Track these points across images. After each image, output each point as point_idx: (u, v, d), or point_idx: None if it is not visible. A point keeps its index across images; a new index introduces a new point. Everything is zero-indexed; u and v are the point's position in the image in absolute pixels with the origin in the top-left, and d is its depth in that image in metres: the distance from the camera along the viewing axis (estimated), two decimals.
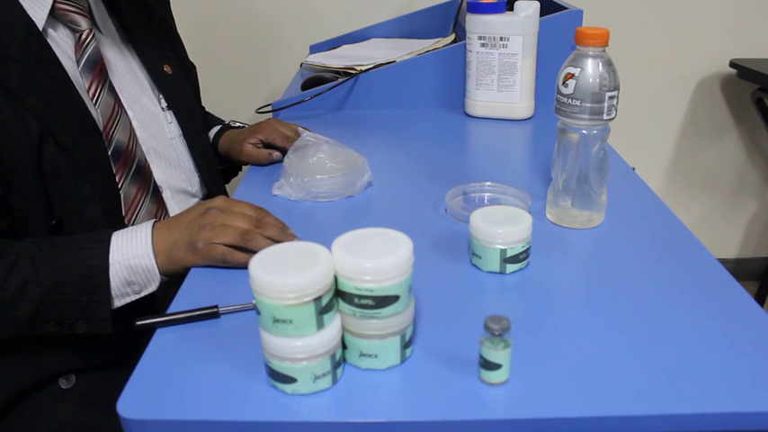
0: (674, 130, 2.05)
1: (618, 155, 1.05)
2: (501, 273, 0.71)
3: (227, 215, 0.74)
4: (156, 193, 0.91)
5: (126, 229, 0.76)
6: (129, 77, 0.94)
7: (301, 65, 1.58)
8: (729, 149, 2.07)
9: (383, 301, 0.53)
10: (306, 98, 1.25)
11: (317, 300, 0.51)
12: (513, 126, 1.22)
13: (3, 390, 0.81)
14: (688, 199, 2.14)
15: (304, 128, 1.04)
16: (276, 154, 1.05)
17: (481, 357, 0.54)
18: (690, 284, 0.68)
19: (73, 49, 0.85)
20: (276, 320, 0.51)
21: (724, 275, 0.70)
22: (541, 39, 1.22)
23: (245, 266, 0.69)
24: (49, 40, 0.81)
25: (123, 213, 0.87)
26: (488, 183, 0.91)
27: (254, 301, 0.53)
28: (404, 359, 0.57)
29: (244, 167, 1.12)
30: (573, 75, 0.74)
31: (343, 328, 0.56)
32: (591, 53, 0.73)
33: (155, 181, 0.92)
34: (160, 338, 0.62)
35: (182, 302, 0.67)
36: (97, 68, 0.86)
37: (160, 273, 0.74)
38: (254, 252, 0.61)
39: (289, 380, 0.53)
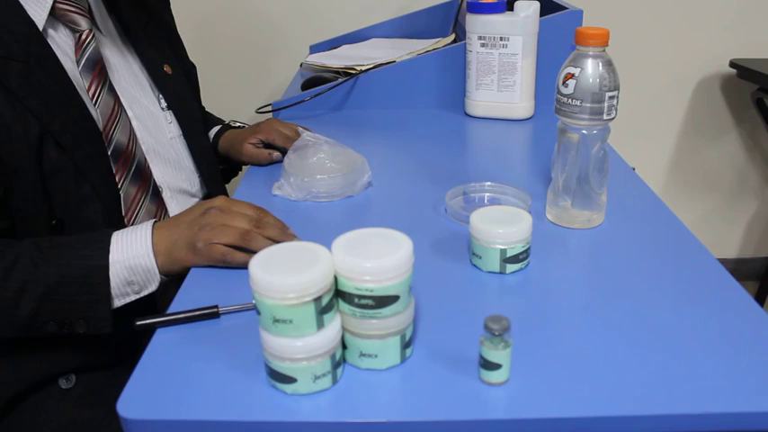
0: (674, 130, 2.05)
1: (618, 155, 1.05)
2: (501, 273, 0.71)
3: (228, 215, 0.74)
4: (156, 193, 0.91)
5: (126, 229, 0.76)
6: (129, 77, 0.94)
7: (301, 65, 1.58)
8: (729, 149, 2.07)
9: (383, 301, 0.53)
10: (306, 98, 1.25)
11: (317, 300, 0.51)
12: (513, 126, 1.22)
13: (3, 390, 0.81)
14: (688, 199, 2.14)
15: (304, 128, 1.04)
16: (276, 154, 1.05)
17: (481, 357, 0.54)
18: (690, 284, 0.68)
19: (73, 50, 0.85)
20: (276, 320, 0.51)
21: (724, 275, 0.70)
22: (541, 39, 1.21)
23: (245, 266, 0.69)
24: (49, 41, 0.81)
25: (123, 213, 0.87)
26: (488, 183, 0.91)
27: (254, 301, 0.53)
28: (404, 359, 0.57)
29: (244, 167, 1.12)
30: (573, 75, 0.74)
31: (343, 328, 0.56)
32: (591, 53, 0.73)
33: (154, 181, 0.92)
34: (160, 338, 0.62)
35: (182, 302, 0.67)
36: (97, 68, 0.86)
37: (160, 273, 0.74)
38: (254, 252, 0.61)
39: (289, 380, 0.53)
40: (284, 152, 1.00)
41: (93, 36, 0.86)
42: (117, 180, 0.86)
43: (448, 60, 1.29)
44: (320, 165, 0.92)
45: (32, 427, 0.82)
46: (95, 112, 0.84)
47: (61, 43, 0.84)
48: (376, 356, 0.56)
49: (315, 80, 1.34)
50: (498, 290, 0.69)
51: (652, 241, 0.78)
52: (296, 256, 0.53)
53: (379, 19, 1.71)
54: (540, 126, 1.22)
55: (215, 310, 0.64)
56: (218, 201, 0.76)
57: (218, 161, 1.12)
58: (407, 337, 0.57)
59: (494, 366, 0.53)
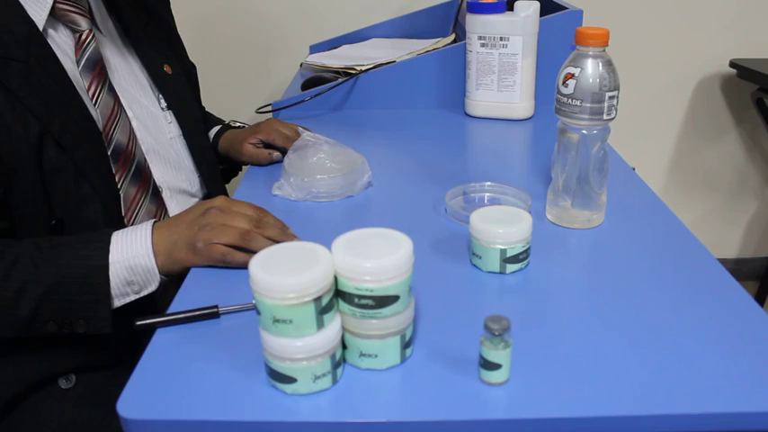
0: (674, 130, 2.05)
1: (618, 155, 1.05)
2: (501, 273, 0.71)
3: (228, 215, 0.74)
4: (156, 193, 0.91)
5: (126, 229, 0.76)
6: (129, 77, 0.94)
7: (301, 65, 1.58)
8: (729, 149, 2.07)
9: (383, 301, 0.53)
10: (306, 98, 1.25)
11: (317, 300, 0.51)
12: (513, 126, 1.22)
13: (3, 390, 0.81)
14: (688, 199, 2.14)
15: (304, 128, 1.04)
16: (276, 154, 1.05)
17: (481, 357, 0.54)
18: (690, 284, 0.68)
19: (73, 50, 0.85)
20: (276, 320, 0.51)
21: (724, 275, 0.70)
22: (541, 39, 1.21)
23: (245, 266, 0.69)
24: (49, 41, 0.81)
25: (123, 213, 0.87)
26: (488, 183, 0.91)
27: (254, 301, 0.53)
28: (404, 359, 0.57)
29: (244, 167, 1.12)
30: (573, 75, 0.74)
31: (343, 328, 0.56)
32: (591, 53, 0.73)
33: (154, 181, 0.92)
34: (160, 338, 0.62)
35: (182, 302, 0.67)
36: (97, 69, 0.86)
37: (160, 273, 0.74)
38: (254, 252, 0.61)
39: (289, 380, 0.53)
40: (284, 152, 1.00)
41: (93, 36, 0.86)
42: (117, 180, 0.86)
43: (448, 60, 1.29)
44: (320, 165, 0.92)
45: (32, 427, 0.82)
46: (95, 113, 0.84)
47: (61, 43, 0.84)
48: (376, 356, 0.56)
49: (315, 80, 1.34)
50: (498, 290, 0.69)
51: (652, 241, 0.78)
52: (296, 256, 0.53)
53: (379, 19, 1.71)
54: (540, 126, 1.22)
55: (215, 310, 0.64)
56: (218, 201, 0.76)
57: (218, 161, 1.12)
58: (407, 337, 0.57)
59: (494, 366, 0.53)
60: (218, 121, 1.22)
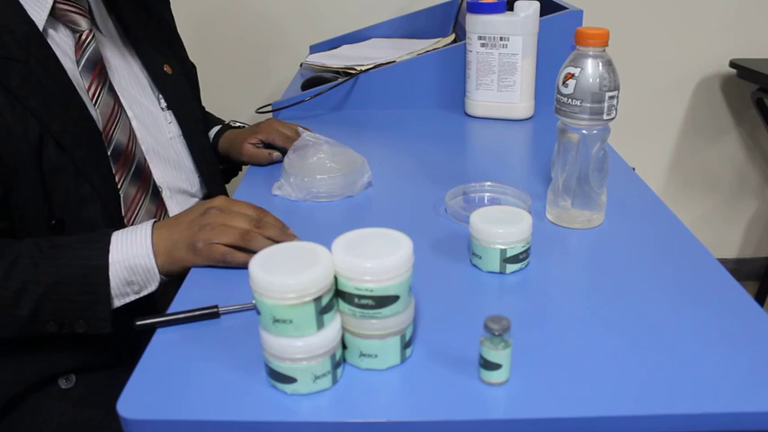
0: (674, 130, 2.05)
1: (618, 155, 1.05)
2: (501, 273, 0.71)
3: (228, 215, 0.74)
4: (156, 194, 0.91)
5: (126, 229, 0.76)
6: (129, 77, 0.94)
7: (301, 65, 1.58)
8: (729, 149, 2.07)
9: (383, 301, 0.53)
10: (306, 98, 1.25)
11: (317, 300, 0.51)
12: (513, 126, 1.22)
13: (3, 390, 0.81)
14: (688, 199, 2.14)
15: (304, 128, 1.04)
16: (276, 154, 1.05)
17: (481, 357, 0.54)
18: (690, 284, 0.68)
19: (73, 50, 0.85)
20: (276, 320, 0.51)
21: (724, 275, 0.70)
22: (541, 39, 1.21)
23: (245, 266, 0.69)
24: (49, 41, 0.81)
25: (123, 213, 0.87)
26: (488, 183, 0.91)
27: (254, 301, 0.53)
28: (404, 359, 0.57)
29: (244, 167, 1.12)
30: (573, 75, 0.74)
31: (343, 328, 0.56)
32: (591, 53, 0.73)
33: (154, 181, 0.92)
34: (160, 338, 0.62)
35: (182, 302, 0.67)
36: (97, 69, 0.86)
37: (160, 273, 0.74)
38: (254, 252, 0.61)
39: (289, 380, 0.53)
40: (284, 152, 1.00)
41: (93, 36, 0.86)
42: (117, 180, 0.86)
43: (448, 60, 1.29)
44: (320, 165, 0.92)
45: (32, 427, 0.82)
46: (95, 113, 0.84)
47: (61, 43, 0.84)
48: (376, 356, 0.56)
49: (315, 80, 1.34)
50: (498, 290, 0.69)
51: (652, 241, 0.78)
52: (296, 256, 0.53)
53: (379, 19, 1.71)
54: (540, 126, 1.22)
55: (215, 310, 0.64)
56: (218, 201, 0.76)
57: (218, 161, 1.12)
58: (407, 337, 0.57)
59: (494, 366, 0.53)
60: (218, 121, 1.22)
